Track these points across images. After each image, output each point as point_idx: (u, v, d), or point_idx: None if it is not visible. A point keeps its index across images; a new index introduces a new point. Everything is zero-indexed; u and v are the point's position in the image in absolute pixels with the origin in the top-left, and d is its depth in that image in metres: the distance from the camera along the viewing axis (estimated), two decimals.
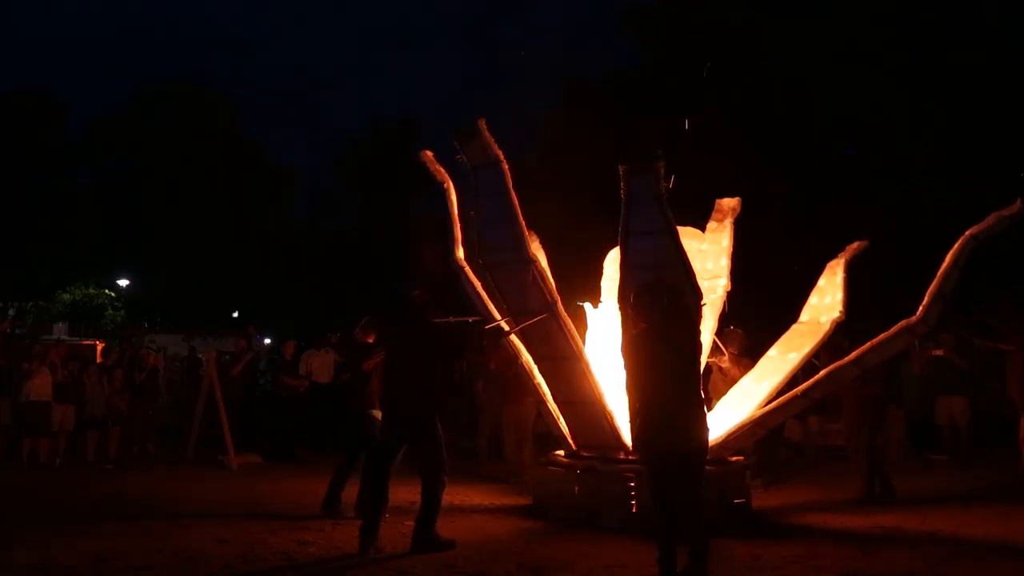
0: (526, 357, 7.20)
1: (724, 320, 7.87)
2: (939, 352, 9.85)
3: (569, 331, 6.33)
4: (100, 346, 14.90)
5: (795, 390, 6.82)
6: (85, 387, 10.20)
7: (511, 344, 7.19)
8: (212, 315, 27.51)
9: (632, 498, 6.26)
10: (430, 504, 5.58)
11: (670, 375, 4.59)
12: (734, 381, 7.94)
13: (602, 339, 7.40)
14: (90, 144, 29.73)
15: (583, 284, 8.48)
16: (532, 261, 6.23)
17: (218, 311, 29.31)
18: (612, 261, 7.51)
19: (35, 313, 26.22)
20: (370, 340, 7.13)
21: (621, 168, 5.89)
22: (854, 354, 6.66)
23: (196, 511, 6.98)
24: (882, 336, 6.60)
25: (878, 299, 17.86)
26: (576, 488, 6.61)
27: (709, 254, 7.78)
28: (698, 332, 4.93)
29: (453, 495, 7.91)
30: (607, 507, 6.37)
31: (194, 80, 32.35)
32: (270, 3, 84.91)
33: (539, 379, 7.23)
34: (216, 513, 6.89)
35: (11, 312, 24.25)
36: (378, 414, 6.57)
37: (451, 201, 7.44)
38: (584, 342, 7.57)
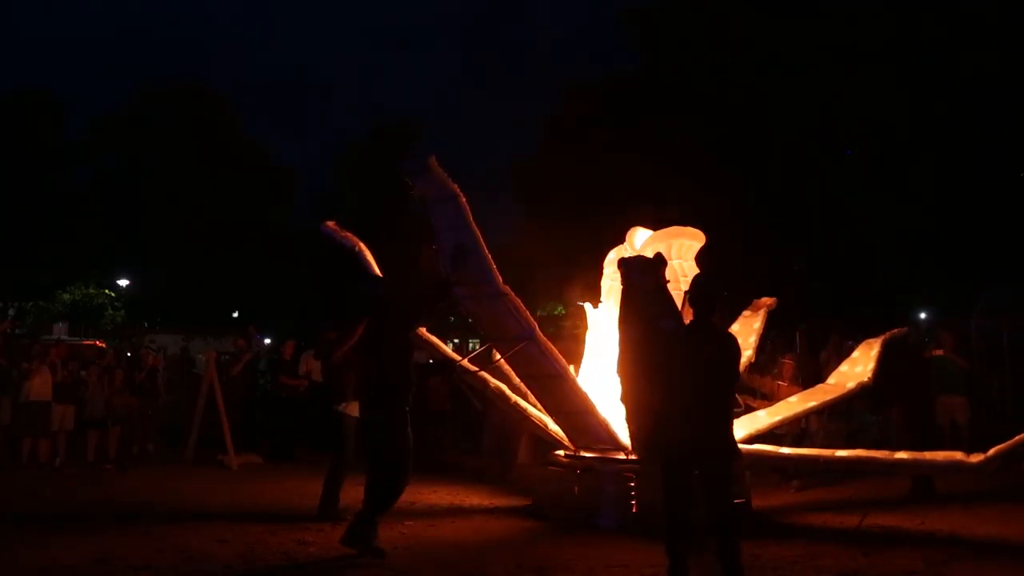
0: (516, 381, 7.24)
1: None
2: (939, 352, 9.83)
3: (551, 353, 6.26)
4: (101, 346, 14.89)
5: (831, 452, 6.86)
6: (87, 387, 10.21)
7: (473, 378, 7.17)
8: (212, 315, 27.51)
9: (632, 498, 6.26)
10: (373, 504, 5.37)
11: (716, 378, 4.48)
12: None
13: (602, 339, 7.43)
14: (90, 144, 29.74)
15: (584, 284, 8.51)
16: (504, 294, 6.04)
17: (218, 311, 29.32)
18: (612, 262, 7.52)
19: (35, 313, 26.23)
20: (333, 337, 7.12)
21: (621, 268, 5.86)
22: (894, 456, 6.59)
23: (196, 511, 6.97)
24: (928, 455, 6.48)
25: (876, 297, 17.92)
26: (576, 488, 6.62)
27: (740, 333, 8.02)
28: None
29: (453, 495, 7.95)
30: (607, 507, 6.38)
31: (194, 80, 32.41)
32: (270, 3, 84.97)
33: (515, 399, 7.22)
34: (216, 513, 6.88)
35: (11, 312, 24.25)
36: (353, 409, 6.56)
37: (368, 262, 7.22)
38: (584, 342, 7.62)
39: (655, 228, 7.44)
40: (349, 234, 7.44)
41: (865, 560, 5.28)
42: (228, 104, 31.91)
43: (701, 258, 7.57)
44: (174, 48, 65.96)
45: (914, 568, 5.10)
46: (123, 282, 29.68)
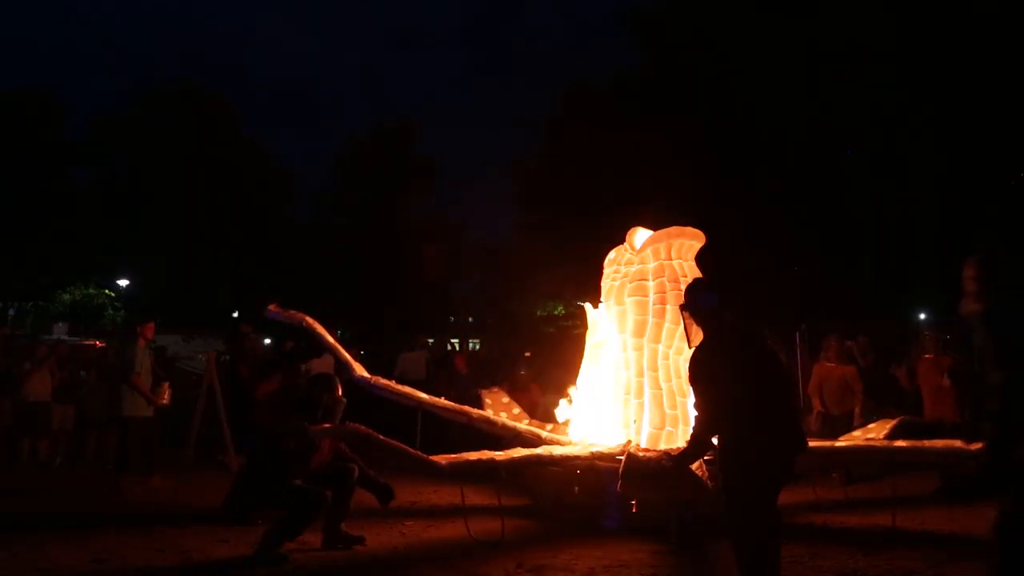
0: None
1: None
2: None
3: (519, 455, 6.37)
4: (101, 346, 14.85)
5: (830, 443, 6.92)
6: (87, 387, 10.20)
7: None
8: (212, 315, 27.51)
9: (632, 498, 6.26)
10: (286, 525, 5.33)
11: (780, 382, 4.19)
12: (839, 381, 8.72)
13: (602, 339, 7.42)
14: (90, 144, 29.74)
15: (584, 284, 8.50)
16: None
17: (218, 311, 29.33)
18: (612, 261, 7.52)
19: (35, 313, 26.24)
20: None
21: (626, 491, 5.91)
22: (893, 444, 6.62)
23: (196, 511, 6.97)
24: (927, 443, 6.43)
25: (876, 297, 17.93)
26: (576, 488, 6.62)
27: None
28: None
29: (454, 495, 7.92)
30: (607, 507, 6.38)
31: (194, 80, 32.41)
32: (270, 4, 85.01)
33: (502, 422, 7.24)
34: (216, 513, 6.88)
35: (11, 312, 24.27)
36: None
37: (320, 333, 7.05)
38: (584, 344, 7.62)
39: (655, 228, 7.44)
40: (293, 312, 7.24)
41: (865, 560, 5.29)
42: (228, 104, 31.95)
43: (701, 258, 7.56)
44: (174, 48, 66.10)
45: (914, 568, 5.10)
46: (123, 282, 29.69)
